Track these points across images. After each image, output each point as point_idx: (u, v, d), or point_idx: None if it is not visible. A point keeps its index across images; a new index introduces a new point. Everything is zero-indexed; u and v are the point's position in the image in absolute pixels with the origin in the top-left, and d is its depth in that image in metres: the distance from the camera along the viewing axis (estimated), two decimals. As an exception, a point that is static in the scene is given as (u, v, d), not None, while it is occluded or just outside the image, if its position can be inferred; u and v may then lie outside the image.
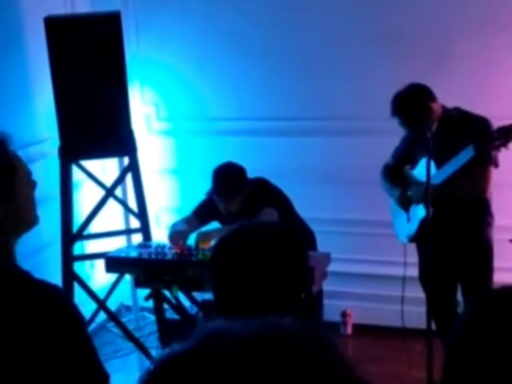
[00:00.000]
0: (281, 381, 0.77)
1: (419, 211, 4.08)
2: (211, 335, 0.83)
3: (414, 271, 4.23)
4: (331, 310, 5.02)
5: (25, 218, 1.85)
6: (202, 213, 4.54)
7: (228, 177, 4.35)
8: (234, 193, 4.33)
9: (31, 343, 1.69)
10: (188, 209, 4.78)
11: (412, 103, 3.92)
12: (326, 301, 4.64)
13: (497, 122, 3.85)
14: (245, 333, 0.82)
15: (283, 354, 0.80)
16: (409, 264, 4.15)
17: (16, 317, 1.70)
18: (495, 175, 3.97)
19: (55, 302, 1.76)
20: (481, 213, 4.07)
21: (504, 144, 3.61)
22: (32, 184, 1.88)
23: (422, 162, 3.88)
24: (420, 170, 4.05)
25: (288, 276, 1.74)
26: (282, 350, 0.80)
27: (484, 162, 3.81)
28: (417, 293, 3.91)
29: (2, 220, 1.77)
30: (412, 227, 4.19)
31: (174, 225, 4.52)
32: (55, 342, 1.70)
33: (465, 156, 3.73)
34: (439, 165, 3.93)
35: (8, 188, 1.78)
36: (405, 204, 4.22)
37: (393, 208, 4.40)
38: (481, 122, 3.89)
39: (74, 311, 1.79)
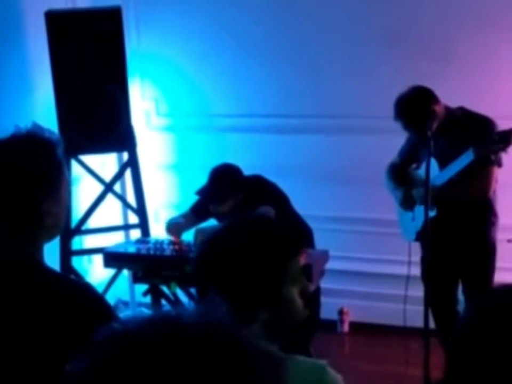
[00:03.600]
0: (185, 370, 0.77)
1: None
2: (110, 341, 0.82)
3: (417, 270, 4.22)
4: (328, 308, 5.02)
5: (61, 221, 1.92)
6: (199, 210, 4.53)
7: (219, 183, 4.30)
8: (223, 199, 4.31)
9: (55, 336, 1.71)
10: (187, 206, 4.78)
11: (415, 107, 3.89)
12: (323, 299, 4.64)
13: (499, 122, 3.84)
14: (143, 333, 0.81)
15: (188, 344, 0.79)
16: (413, 263, 4.13)
17: (38, 313, 1.73)
18: (499, 175, 3.97)
19: (83, 299, 1.80)
20: (485, 212, 4.06)
21: (503, 149, 3.60)
22: (70, 195, 1.97)
23: (426, 162, 3.86)
24: (424, 170, 4.04)
25: (264, 268, 1.71)
26: (185, 341, 0.79)
27: (486, 163, 3.79)
28: (419, 292, 3.90)
29: (45, 215, 1.82)
30: (416, 226, 4.18)
31: (171, 219, 4.53)
32: (80, 335, 1.73)
33: (465, 159, 3.72)
34: (443, 165, 3.92)
35: (54, 187, 1.85)
36: (409, 203, 4.22)
37: (399, 207, 4.40)
38: (485, 124, 3.87)
39: (103, 309, 1.83)
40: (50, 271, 1.85)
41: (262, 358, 0.82)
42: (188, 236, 4.50)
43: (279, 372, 0.83)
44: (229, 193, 4.29)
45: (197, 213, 4.53)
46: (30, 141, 1.85)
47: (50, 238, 1.91)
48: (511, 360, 1.14)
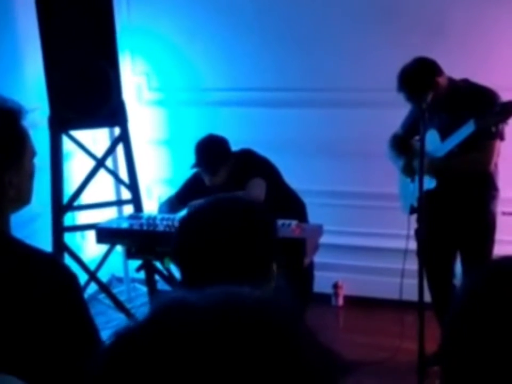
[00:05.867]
0: (242, 352, 0.75)
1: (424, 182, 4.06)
2: (167, 309, 0.81)
3: (414, 244, 4.20)
4: (323, 282, 5.03)
5: (25, 193, 1.88)
6: (185, 195, 4.52)
7: (210, 150, 4.32)
8: (217, 166, 4.31)
9: (27, 308, 1.70)
10: (179, 181, 4.77)
11: (419, 79, 3.84)
12: (318, 273, 4.64)
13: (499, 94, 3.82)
14: (202, 304, 0.80)
15: (243, 324, 0.77)
16: (411, 236, 4.11)
17: (12, 283, 1.72)
18: (502, 148, 3.95)
19: (49, 267, 1.79)
20: (485, 186, 4.04)
21: (504, 120, 3.58)
22: (33, 165, 1.91)
23: (428, 134, 3.84)
24: (426, 142, 4.01)
25: (250, 250, 1.71)
26: (242, 320, 0.78)
27: (488, 135, 3.77)
28: (416, 265, 3.89)
29: (7, 187, 1.79)
30: (414, 199, 4.17)
31: (160, 209, 4.61)
32: (50, 305, 1.72)
33: (466, 130, 3.70)
34: (445, 137, 3.90)
35: (16, 158, 1.81)
36: (410, 173, 4.21)
37: (400, 181, 4.37)
38: (487, 95, 3.83)
39: (68, 275, 1.82)
40: (17, 242, 1.82)
41: (321, 356, 0.81)
42: (181, 212, 4.50)
43: (335, 369, 0.81)
44: (220, 160, 4.31)
45: (182, 198, 4.53)
46: None
47: (15, 209, 1.88)
48: (508, 334, 1.13)
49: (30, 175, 1.88)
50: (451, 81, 3.96)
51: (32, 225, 4.76)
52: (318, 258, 4.41)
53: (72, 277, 1.82)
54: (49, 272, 1.77)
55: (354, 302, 5.39)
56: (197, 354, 0.74)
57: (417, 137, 4.25)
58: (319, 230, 4.20)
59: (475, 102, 3.81)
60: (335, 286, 5.45)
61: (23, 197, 1.88)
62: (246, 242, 1.72)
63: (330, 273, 5.31)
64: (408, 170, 4.21)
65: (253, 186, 4.19)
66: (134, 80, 5.73)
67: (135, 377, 0.75)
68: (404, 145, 4.30)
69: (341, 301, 5.48)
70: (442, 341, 1.21)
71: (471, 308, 1.18)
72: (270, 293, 0.83)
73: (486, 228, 4.06)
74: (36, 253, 1.82)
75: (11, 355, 1.67)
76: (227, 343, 0.75)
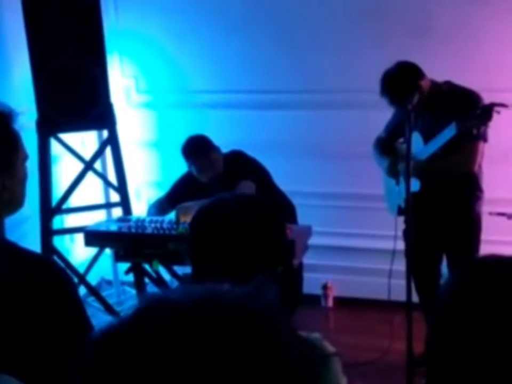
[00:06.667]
0: (223, 346, 0.76)
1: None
2: (149, 306, 0.82)
3: (402, 244, 4.21)
4: (312, 283, 5.03)
5: (18, 196, 1.88)
6: (176, 196, 4.54)
7: (195, 139, 4.44)
8: (205, 151, 4.37)
9: (25, 310, 1.71)
10: (168, 183, 4.76)
11: (401, 84, 3.85)
12: (307, 274, 4.65)
13: (482, 96, 3.83)
14: (184, 301, 0.81)
15: (223, 320, 0.78)
16: (399, 237, 4.12)
17: (10, 285, 1.72)
18: (485, 149, 3.96)
19: (44, 269, 1.80)
20: (470, 187, 4.06)
21: (484, 123, 3.59)
22: (26, 169, 1.90)
23: (412, 137, 3.84)
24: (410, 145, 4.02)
25: (264, 248, 1.74)
26: (222, 315, 0.79)
27: (470, 138, 3.78)
28: (404, 266, 3.90)
29: (1, 190, 1.80)
30: (401, 200, 4.18)
31: (149, 211, 4.62)
32: (47, 306, 1.73)
33: (448, 133, 3.70)
34: (428, 140, 3.91)
35: (9, 161, 1.81)
36: (395, 175, 4.22)
37: (385, 182, 4.39)
38: (469, 98, 3.84)
39: (64, 276, 1.83)
40: (12, 245, 1.83)
41: (302, 350, 0.82)
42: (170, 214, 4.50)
43: (318, 364, 0.82)
44: (206, 145, 4.43)
45: (173, 200, 4.55)
46: None
47: (8, 213, 1.88)
48: (491, 330, 1.13)
49: (22, 179, 1.89)
50: (433, 83, 3.96)
51: (21, 229, 4.74)
52: (307, 259, 4.41)
53: (67, 277, 1.84)
54: (45, 273, 1.77)
55: (343, 303, 5.39)
56: (178, 349, 0.75)
57: (401, 140, 4.27)
58: (308, 231, 4.21)
59: (457, 104, 3.81)
60: (325, 287, 5.45)
61: (16, 200, 1.88)
62: (260, 239, 1.75)
63: (320, 275, 5.32)
64: (392, 173, 4.23)
65: (242, 188, 4.19)
66: (122, 82, 5.72)
67: (118, 373, 0.77)
68: (388, 148, 4.31)
69: (330, 302, 5.47)
70: (427, 337, 1.21)
71: (454, 306, 1.19)
72: (250, 289, 0.84)
73: (471, 229, 4.08)
74: (30, 255, 1.83)
75: (10, 355, 1.67)
76: (207, 338, 0.76)
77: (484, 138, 3.89)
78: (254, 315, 0.80)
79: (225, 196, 1.85)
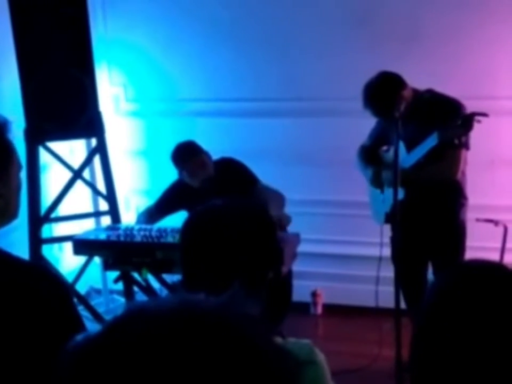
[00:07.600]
0: (198, 354, 0.76)
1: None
2: (125, 317, 0.82)
3: (389, 251, 4.23)
4: (301, 291, 5.03)
5: (13, 207, 1.88)
6: (166, 204, 4.55)
7: (184, 144, 4.44)
8: (195, 153, 4.39)
9: (22, 316, 1.70)
10: (157, 192, 4.76)
11: (384, 95, 3.86)
12: (296, 282, 4.64)
13: (468, 103, 3.85)
14: (159, 310, 0.81)
15: (198, 328, 0.79)
16: (385, 244, 4.13)
17: (6, 293, 1.72)
18: (468, 157, 3.98)
19: (39, 277, 1.79)
20: (454, 194, 4.08)
21: (465, 133, 3.62)
22: (20, 179, 1.91)
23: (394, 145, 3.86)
24: (393, 153, 4.04)
25: (256, 254, 1.74)
26: (197, 324, 0.79)
27: (452, 146, 3.79)
28: (391, 272, 3.91)
29: None
30: (386, 208, 4.19)
31: (138, 219, 4.63)
32: (43, 313, 1.72)
33: (430, 142, 3.72)
34: (410, 148, 3.92)
35: (3, 169, 1.81)
36: (378, 184, 4.23)
37: (370, 190, 4.40)
38: (451, 106, 3.86)
39: (58, 281, 1.83)
40: (5, 254, 1.82)
41: (279, 357, 0.82)
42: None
43: (295, 371, 0.82)
44: (195, 148, 4.43)
45: (162, 208, 4.58)
46: None
47: (3, 223, 1.88)
48: (475, 331, 1.14)
49: (17, 188, 1.88)
50: (415, 92, 3.98)
51: (9, 237, 4.71)
52: (296, 267, 4.41)
53: (62, 282, 1.85)
54: (40, 280, 1.77)
55: (333, 310, 5.40)
56: (154, 357, 0.75)
57: (384, 148, 4.28)
58: (296, 238, 4.21)
59: (439, 113, 3.83)
60: (314, 295, 5.46)
61: (11, 210, 1.87)
62: (252, 245, 1.75)
63: (309, 282, 5.32)
64: (376, 182, 4.24)
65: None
66: (110, 91, 5.72)
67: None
68: (372, 156, 4.33)
69: (319, 310, 5.48)
70: (412, 338, 1.23)
71: (439, 308, 1.20)
72: (225, 298, 0.85)
73: (456, 236, 4.10)
74: (23, 263, 1.83)
75: (4, 362, 1.67)
76: (183, 347, 0.76)
77: (466, 146, 3.91)
78: (229, 323, 0.81)
79: (216, 203, 1.85)
